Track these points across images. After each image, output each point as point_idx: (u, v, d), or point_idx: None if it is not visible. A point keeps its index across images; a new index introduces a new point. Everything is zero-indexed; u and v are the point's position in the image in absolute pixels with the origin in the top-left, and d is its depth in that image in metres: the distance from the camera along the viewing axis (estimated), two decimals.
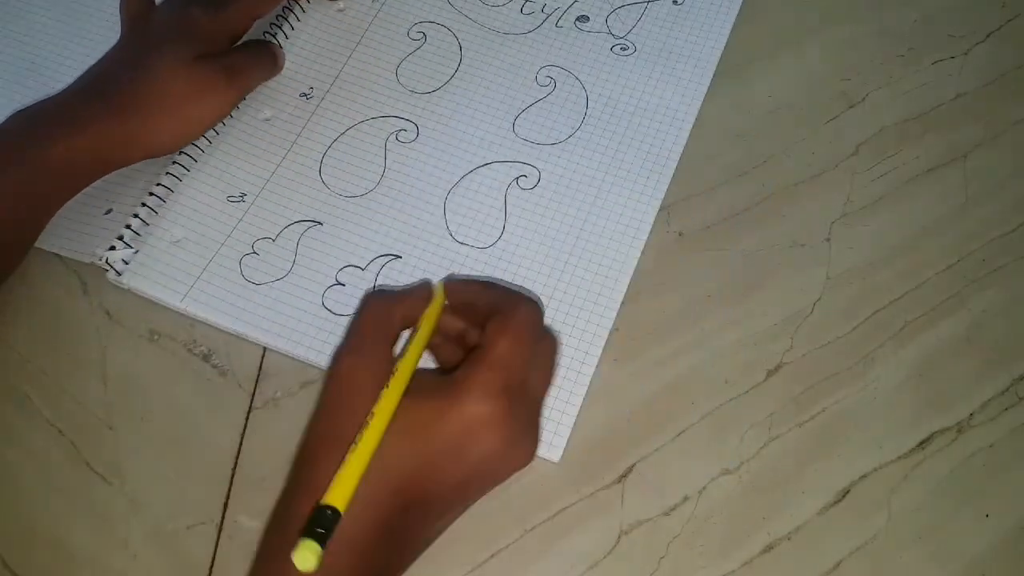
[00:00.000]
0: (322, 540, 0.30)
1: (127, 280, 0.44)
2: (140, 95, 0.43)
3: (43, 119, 0.43)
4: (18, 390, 0.42)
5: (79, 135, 0.42)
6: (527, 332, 0.36)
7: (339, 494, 0.31)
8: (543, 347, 0.38)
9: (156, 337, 0.43)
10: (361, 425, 0.33)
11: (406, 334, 0.38)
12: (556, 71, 0.51)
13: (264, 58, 0.49)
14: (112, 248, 0.44)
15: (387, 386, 0.34)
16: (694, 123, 0.48)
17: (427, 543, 0.36)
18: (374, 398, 0.34)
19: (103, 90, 0.44)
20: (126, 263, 0.44)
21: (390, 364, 0.35)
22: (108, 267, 0.44)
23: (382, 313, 0.37)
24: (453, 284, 0.40)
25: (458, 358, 0.39)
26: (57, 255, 0.45)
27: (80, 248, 0.45)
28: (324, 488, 0.31)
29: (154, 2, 0.48)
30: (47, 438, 0.41)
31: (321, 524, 0.30)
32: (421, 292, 0.39)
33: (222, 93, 0.46)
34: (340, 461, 0.32)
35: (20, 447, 0.41)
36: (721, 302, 0.44)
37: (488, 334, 0.35)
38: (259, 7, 0.48)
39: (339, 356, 0.36)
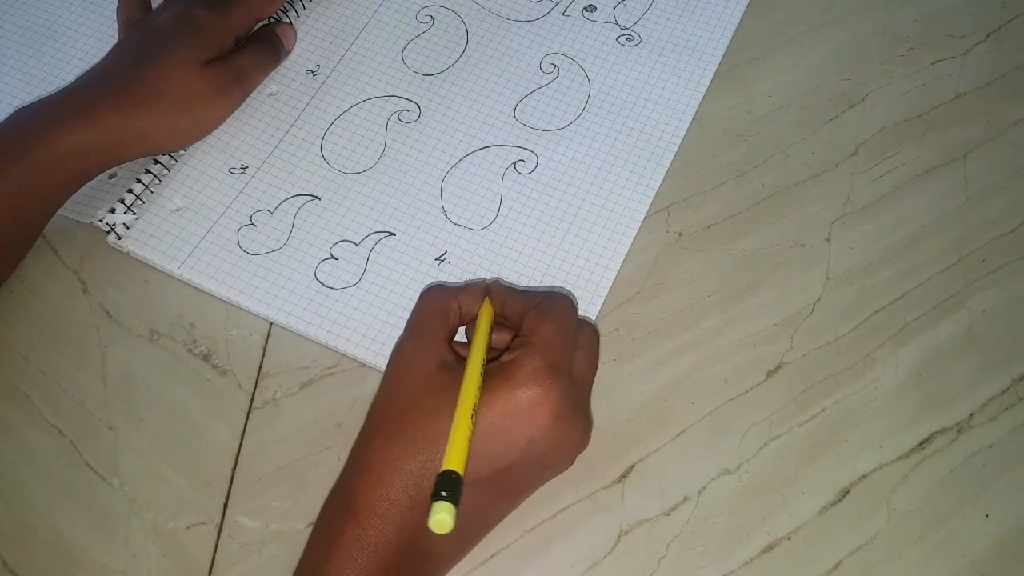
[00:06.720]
0: (454, 501, 0.30)
1: (128, 245, 0.45)
2: (151, 92, 0.43)
3: (47, 115, 0.43)
4: (18, 390, 0.42)
5: (85, 130, 0.42)
6: (566, 318, 0.36)
7: (456, 458, 0.31)
8: (584, 333, 0.38)
9: (156, 337, 0.43)
10: (456, 398, 0.33)
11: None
12: (560, 59, 0.51)
13: (269, 54, 0.49)
14: (112, 211, 0.45)
15: (468, 363, 0.35)
16: (695, 123, 0.49)
17: (476, 532, 0.36)
18: (430, 380, 0.35)
19: (109, 86, 0.44)
20: (127, 228, 0.45)
21: (446, 350, 0.36)
22: (109, 228, 0.45)
23: (438, 304, 0.38)
24: (492, 285, 0.40)
25: None
26: (57, 255, 0.45)
27: (82, 210, 0.46)
28: (380, 462, 0.33)
29: (150, 6, 0.48)
30: (47, 438, 0.41)
31: (447, 488, 0.30)
32: (476, 288, 0.39)
33: (233, 96, 0.47)
34: (398, 440, 0.33)
35: (20, 447, 0.41)
36: (721, 302, 0.44)
37: (528, 324, 0.36)
38: (261, 9, 0.48)
39: (400, 343, 0.37)
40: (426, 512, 0.30)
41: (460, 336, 0.40)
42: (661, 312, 0.44)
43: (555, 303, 0.37)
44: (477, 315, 0.38)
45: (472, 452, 0.32)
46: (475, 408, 0.33)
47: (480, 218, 0.46)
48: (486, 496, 0.35)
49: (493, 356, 0.36)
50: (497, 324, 0.39)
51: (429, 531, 0.30)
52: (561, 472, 0.37)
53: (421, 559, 0.34)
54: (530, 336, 0.35)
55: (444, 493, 0.30)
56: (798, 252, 0.45)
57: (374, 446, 0.34)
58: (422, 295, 0.39)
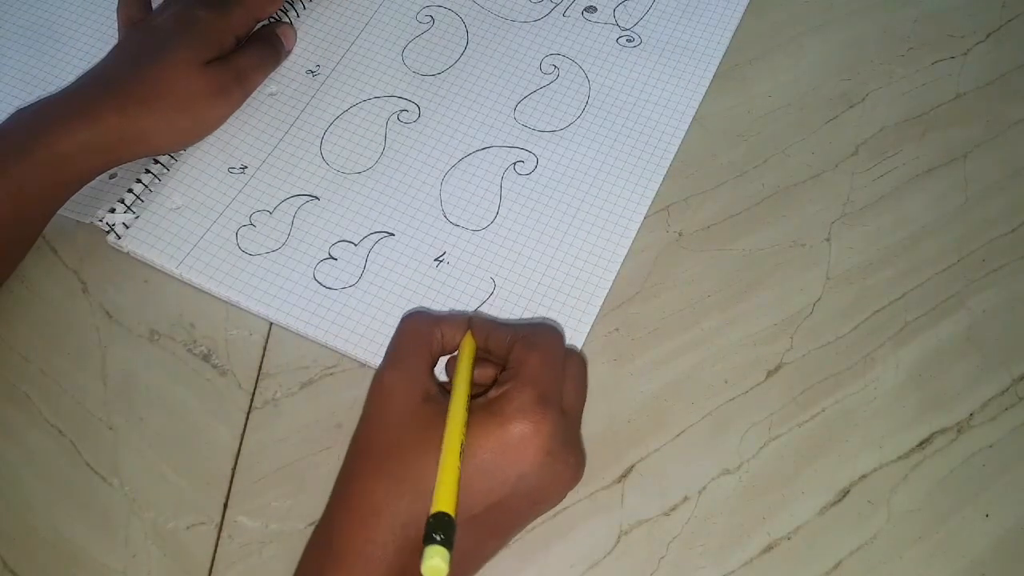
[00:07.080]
0: (448, 545, 0.29)
1: (127, 244, 0.45)
2: (151, 92, 0.43)
3: (47, 115, 0.42)
4: (18, 390, 0.42)
5: (85, 130, 0.42)
6: (554, 349, 0.35)
7: (446, 499, 0.30)
8: (572, 363, 0.37)
9: (156, 337, 0.43)
10: (441, 434, 0.33)
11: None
12: (560, 60, 0.51)
13: (269, 54, 0.49)
14: (112, 210, 0.45)
15: (452, 399, 0.34)
16: (695, 123, 0.49)
17: (466, 572, 0.35)
18: (414, 414, 0.34)
19: (110, 86, 0.43)
20: (127, 227, 0.45)
21: (429, 380, 0.35)
22: (108, 228, 0.45)
23: (421, 331, 0.37)
24: (475, 318, 0.39)
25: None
26: (57, 255, 0.45)
27: (82, 210, 0.46)
28: (364, 503, 0.32)
29: (151, 6, 0.48)
30: (47, 438, 0.41)
31: (440, 530, 0.29)
32: (459, 319, 0.38)
33: (233, 96, 0.47)
34: (381, 478, 0.32)
35: (20, 447, 0.41)
36: (721, 302, 0.44)
37: (515, 356, 0.35)
38: (261, 9, 0.48)
39: (379, 372, 0.36)
40: (414, 555, 0.29)
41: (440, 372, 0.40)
42: (661, 312, 0.44)
43: (541, 334, 0.36)
44: (459, 347, 0.38)
45: (462, 489, 0.31)
46: (463, 446, 0.32)
47: (479, 219, 0.46)
48: (476, 534, 0.34)
49: (477, 392, 0.35)
50: (480, 359, 0.38)
51: (418, 574, 0.29)
52: (552, 507, 0.36)
53: None
54: (518, 368, 0.34)
55: (437, 537, 0.29)
56: (798, 252, 0.45)
57: (357, 485, 0.33)
58: (403, 322, 0.38)
